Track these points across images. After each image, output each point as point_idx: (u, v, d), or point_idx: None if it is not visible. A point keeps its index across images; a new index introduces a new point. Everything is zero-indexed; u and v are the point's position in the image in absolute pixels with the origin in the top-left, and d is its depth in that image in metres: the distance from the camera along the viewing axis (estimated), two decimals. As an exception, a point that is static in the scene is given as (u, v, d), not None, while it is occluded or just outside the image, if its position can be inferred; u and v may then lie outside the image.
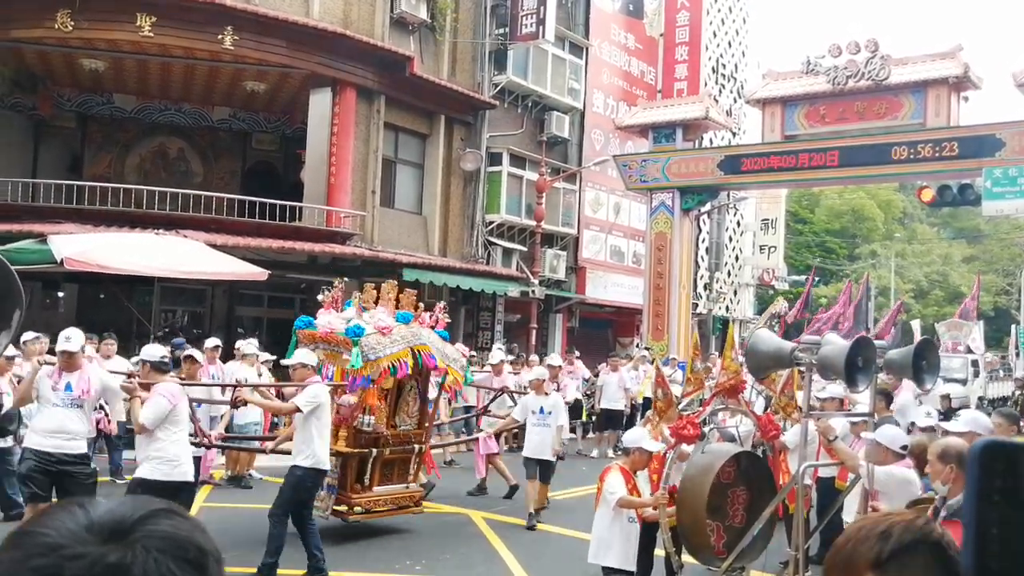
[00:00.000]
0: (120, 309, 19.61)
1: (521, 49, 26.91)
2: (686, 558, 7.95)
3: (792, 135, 21.79)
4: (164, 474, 8.63)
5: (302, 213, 21.63)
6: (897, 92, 20.39)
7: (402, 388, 11.57)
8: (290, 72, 22.40)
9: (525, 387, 14.84)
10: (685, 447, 7.87)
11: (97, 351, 14.38)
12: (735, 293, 40.20)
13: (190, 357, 12.16)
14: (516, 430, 15.28)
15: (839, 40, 21.18)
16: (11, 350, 11.44)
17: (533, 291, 25.70)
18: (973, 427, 6.16)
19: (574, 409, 18.92)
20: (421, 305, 11.84)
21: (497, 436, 15.02)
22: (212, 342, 14.86)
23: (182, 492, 8.78)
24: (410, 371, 11.07)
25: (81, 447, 9.31)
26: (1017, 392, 24.10)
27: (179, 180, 24.38)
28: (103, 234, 17.92)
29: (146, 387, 8.99)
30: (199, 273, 17.64)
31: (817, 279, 47.94)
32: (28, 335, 12.29)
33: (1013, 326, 48.20)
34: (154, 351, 9.35)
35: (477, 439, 15.10)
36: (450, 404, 16.78)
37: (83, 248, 15.92)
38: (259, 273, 17.73)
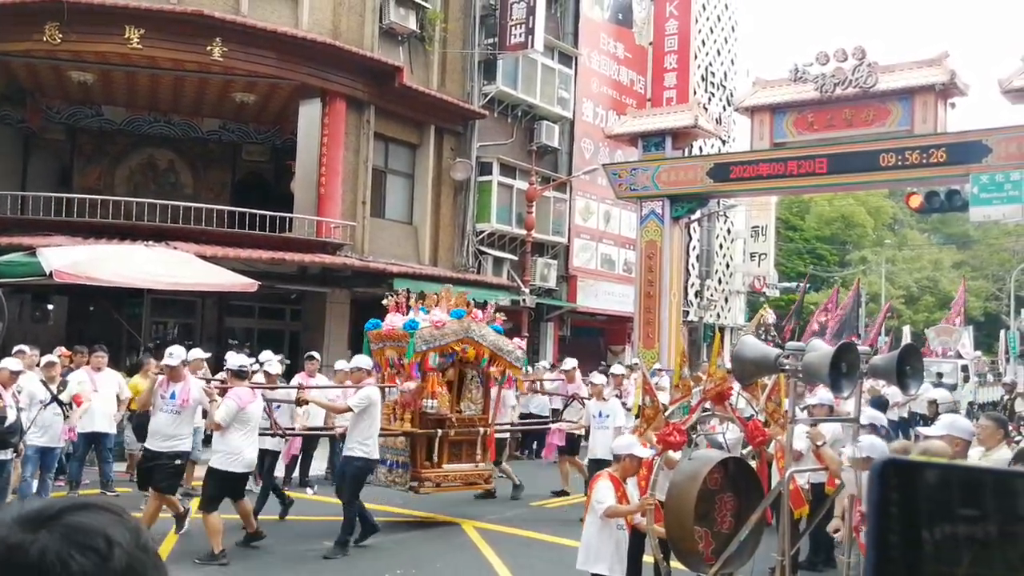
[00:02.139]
0: (110, 321, 19.63)
1: (510, 59, 26.96)
2: (675, 564, 7.96)
3: (781, 143, 21.82)
4: (227, 464, 10.36)
5: (292, 224, 21.64)
6: (884, 99, 20.45)
7: (464, 377, 13.22)
8: (279, 83, 22.42)
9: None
10: (672, 454, 7.89)
11: (87, 363, 14.43)
12: (726, 300, 40.30)
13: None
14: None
15: (827, 48, 21.26)
16: (17, 364, 11.62)
17: (524, 300, 25.71)
18: (950, 430, 6.21)
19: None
20: (472, 302, 13.43)
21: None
22: (194, 353, 14.81)
23: (240, 481, 10.67)
24: (464, 360, 12.94)
25: (177, 447, 10.78)
26: (1006, 397, 24.20)
27: (169, 192, 24.38)
28: (93, 246, 17.89)
29: (223, 392, 10.84)
30: (189, 285, 17.63)
31: (809, 286, 48.07)
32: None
33: (1003, 331, 48.43)
34: (236, 360, 11.17)
35: (550, 429, 16.67)
36: (518, 400, 18.05)
37: (73, 260, 15.89)
38: (249, 284, 17.72)
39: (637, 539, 7.96)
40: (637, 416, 12.68)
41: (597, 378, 14.91)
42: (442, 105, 24.91)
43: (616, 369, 18.36)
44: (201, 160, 26.13)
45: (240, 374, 10.87)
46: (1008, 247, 61.36)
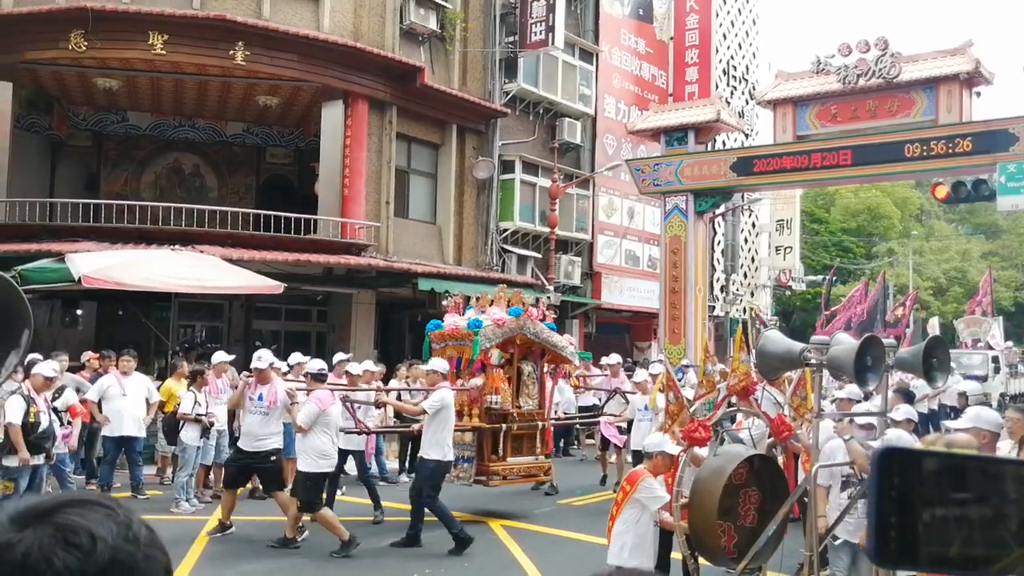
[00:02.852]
0: (138, 325, 19.74)
1: (531, 57, 26.95)
2: (702, 561, 7.96)
3: (804, 135, 21.73)
4: (314, 466, 10.88)
5: (317, 225, 21.72)
6: (908, 89, 20.32)
7: (521, 373, 13.75)
8: (302, 86, 22.53)
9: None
10: (698, 450, 7.89)
11: (116, 367, 14.54)
12: (752, 295, 40.15)
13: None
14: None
15: (849, 39, 21.17)
16: (49, 371, 11.84)
17: (548, 297, 25.70)
18: (977, 423, 6.15)
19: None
20: (526, 300, 14.14)
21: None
22: (218, 357, 14.95)
23: (328, 480, 11.31)
24: (521, 355, 13.54)
25: (268, 445, 11.51)
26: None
27: (194, 196, 24.56)
28: (120, 251, 18.04)
29: (307, 394, 11.49)
30: (216, 288, 17.74)
31: (835, 279, 47.81)
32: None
33: (1033, 321, 48.00)
34: (316, 364, 11.88)
35: (599, 422, 17.08)
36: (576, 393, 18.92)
37: (100, 266, 16.04)
38: (275, 286, 17.82)
39: (665, 535, 7.96)
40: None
41: (641, 375, 15.66)
42: (464, 104, 24.94)
43: (655, 369, 18.38)
44: (226, 163, 26.29)
45: (319, 377, 11.50)
46: (1038, 236, 60.83)
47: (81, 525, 1.21)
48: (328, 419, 11.05)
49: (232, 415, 14.70)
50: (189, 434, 13.53)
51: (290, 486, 11.82)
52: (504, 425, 13.24)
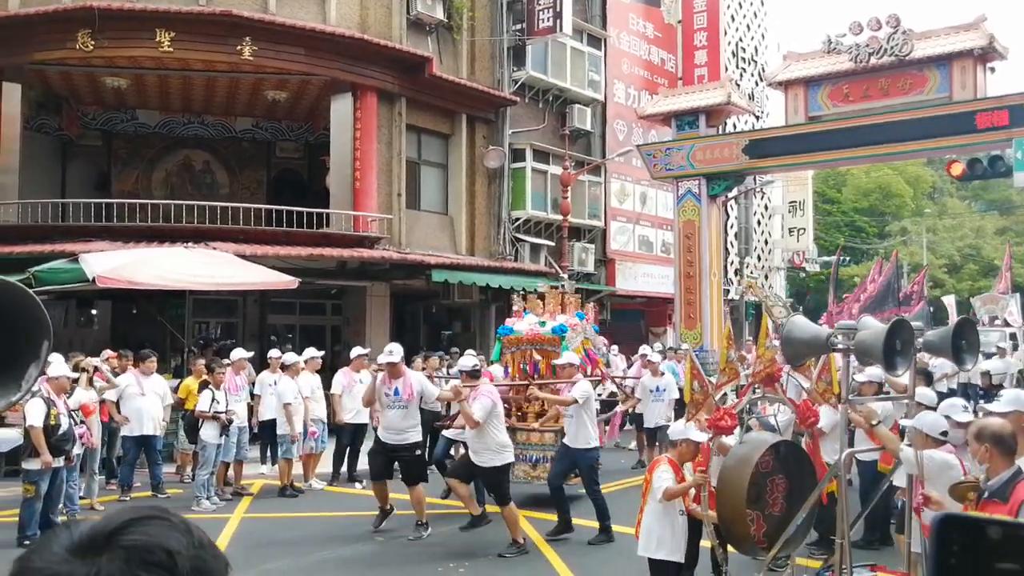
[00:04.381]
0: (153, 324, 19.75)
1: (539, 44, 26.83)
2: (730, 549, 7.90)
3: (816, 116, 21.57)
4: (498, 459, 11.04)
5: (329, 219, 21.66)
6: (921, 67, 20.14)
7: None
8: (310, 79, 22.46)
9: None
10: (725, 439, 7.81)
11: (136, 367, 14.53)
12: (766, 277, 39.99)
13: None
14: None
15: (859, 17, 20.98)
16: (67, 370, 11.88)
17: (563, 285, 25.59)
18: (1017, 406, 6.03)
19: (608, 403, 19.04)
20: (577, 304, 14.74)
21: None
22: (237, 353, 14.97)
23: (505, 472, 11.22)
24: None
25: (410, 438, 11.53)
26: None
27: (205, 192, 24.56)
28: (133, 250, 18.02)
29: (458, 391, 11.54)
30: (230, 284, 17.73)
31: (848, 259, 47.59)
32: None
33: (1051, 296, 47.67)
34: (467, 361, 12.10)
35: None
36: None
37: (114, 265, 16.03)
38: (290, 281, 17.79)
39: (694, 525, 7.89)
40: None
41: (654, 356, 17.15)
42: (473, 93, 24.84)
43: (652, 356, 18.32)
44: (236, 159, 26.25)
45: (474, 374, 11.68)
46: (1052, 211, 60.38)
47: (153, 543, 1.18)
48: (498, 411, 11.29)
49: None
50: (208, 432, 13.50)
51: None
52: None
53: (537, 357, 13.57)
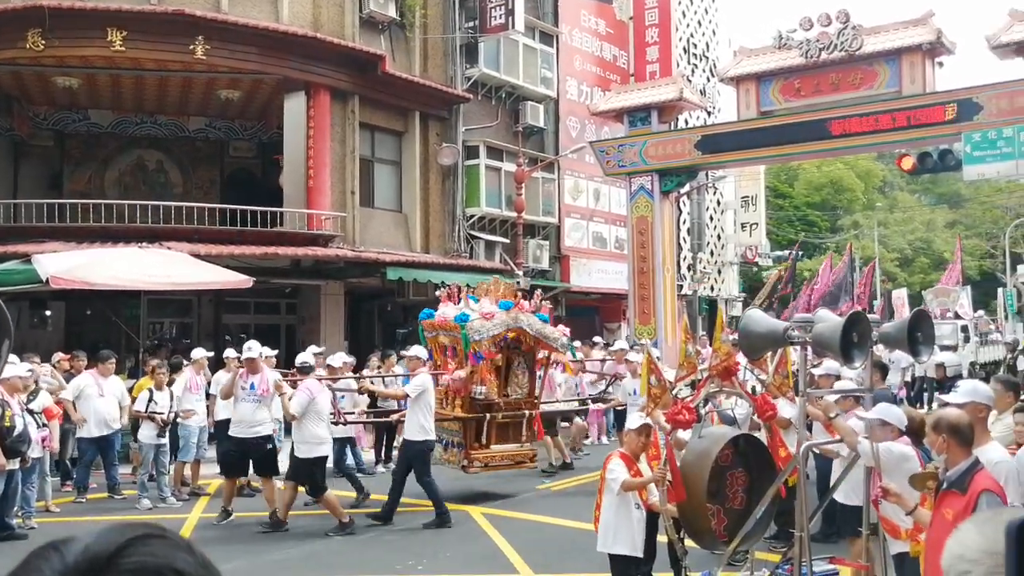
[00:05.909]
0: (108, 324, 19.57)
1: (492, 41, 26.83)
2: (689, 543, 7.96)
3: (768, 111, 21.77)
4: (314, 452, 11.51)
5: (283, 218, 21.56)
6: (871, 61, 20.38)
7: (511, 363, 13.86)
8: (263, 78, 22.31)
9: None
10: (681, 433, 7.87)
11: (88, 367, 14.40)
12: (719, 272, 40.29)
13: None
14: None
15: (810, 13, 21.19)
16: (22, 371, 11.77)
17: (518, 282, 25.65)
18: (973, 397, 6.12)
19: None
20: (520, 294, 14.44)
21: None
22: (197, 353, 14.96)
23: (319, 464, 11.63)
24: (512, 346, 13.64)
25: (261, 431, 12.08)
26: (1008, 356, 24.19)
27: (159, 192, 24.34)
28: (87, 250, 17.85)
29: (293, 385, 12.26)
30: (184, 284, 17.60)
31: (801, 253, 48.03)
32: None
33: (999, 289, 48.49)
34: (301, 357, 12.73)
35: (588, 410, 18.21)
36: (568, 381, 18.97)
37: (68, 266, 15.86)
38: (244, 280, 17.69)
39: (651, 519, 7.94)
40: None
41: (634, 356, 15.96)
42: (426, 91, 24.80)
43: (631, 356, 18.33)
44: (189, 159, 26.04)
45: (305, 369, 12.16)
46: (1001, 204, 61.18)
47: (159, 564, 1.11)
48: (318, 407, 11.67)
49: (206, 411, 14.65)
50: (145, 432, 13.60)
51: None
52: (488, 415, 13.48)
53: (444, 342, 13.77)
